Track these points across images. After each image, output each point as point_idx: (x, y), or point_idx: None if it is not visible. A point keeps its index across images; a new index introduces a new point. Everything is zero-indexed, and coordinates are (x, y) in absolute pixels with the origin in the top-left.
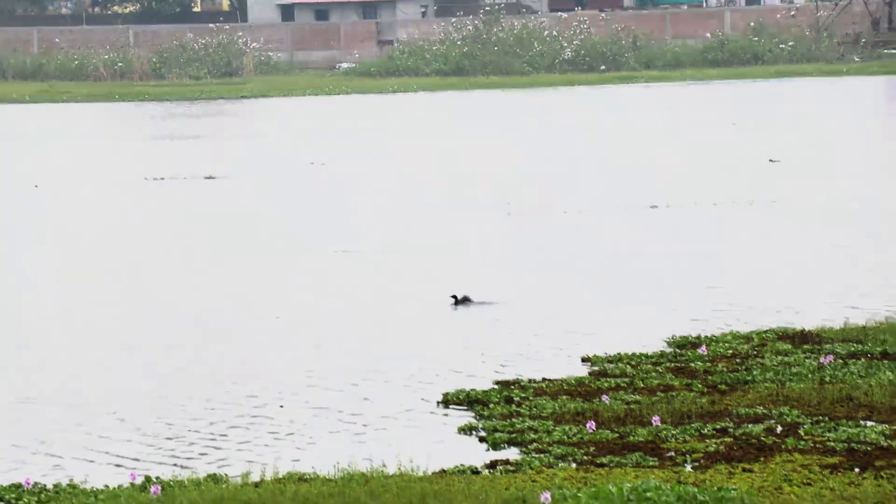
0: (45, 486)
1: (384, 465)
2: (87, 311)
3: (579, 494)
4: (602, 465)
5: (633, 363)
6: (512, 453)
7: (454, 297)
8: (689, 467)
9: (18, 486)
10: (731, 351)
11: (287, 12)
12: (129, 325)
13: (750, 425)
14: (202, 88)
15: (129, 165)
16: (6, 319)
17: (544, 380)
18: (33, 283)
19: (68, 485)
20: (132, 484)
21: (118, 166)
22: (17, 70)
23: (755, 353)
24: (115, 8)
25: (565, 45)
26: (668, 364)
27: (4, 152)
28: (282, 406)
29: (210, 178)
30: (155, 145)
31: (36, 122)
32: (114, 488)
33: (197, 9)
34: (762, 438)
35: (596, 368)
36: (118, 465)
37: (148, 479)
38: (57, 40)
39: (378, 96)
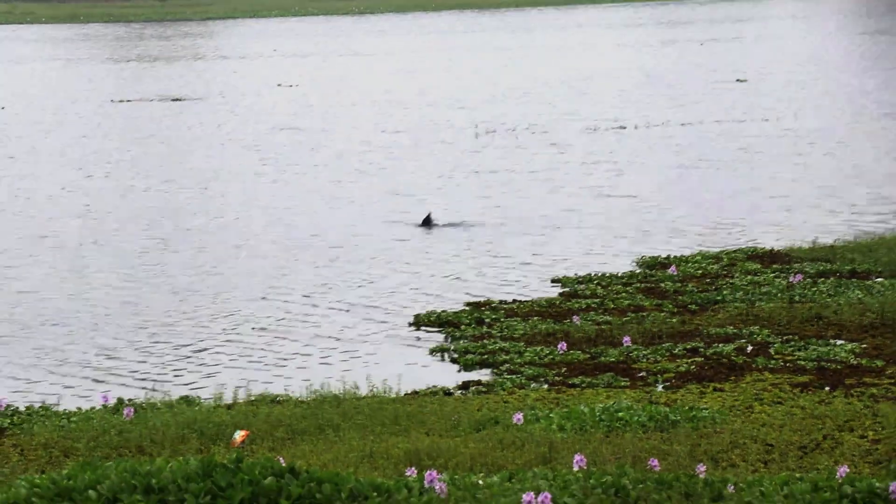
0: (17, 408)
1: (356, 387)
2: (58, 234)
3: (552, 415)
4: (574, 386)
5: (604, 284)
6: (484, 374)
7: (427, 218)
8: (660, 387)
9: None
10: (700, 271)
11: None
12: (103, 246)
13: (720, 345)
14: (167, 10)
15: (95, 87)
16: None
17: (515, 301)
18: (5, 207)
19: (41, 407)
20: (105, 406)
21: (84, 88)
22: None
23: (725, 272)
24: None
25: None
26: (638, 284)
27: None
28: (254, 328)
29: (177, 99)
30: (121, 67)
31: (0, 43)
32: (86, 410)
33: None
34: (733, 358)
35: (566, 289)
36: (92, 387)
37: (121, 401)
38: None
39: (344, 18)
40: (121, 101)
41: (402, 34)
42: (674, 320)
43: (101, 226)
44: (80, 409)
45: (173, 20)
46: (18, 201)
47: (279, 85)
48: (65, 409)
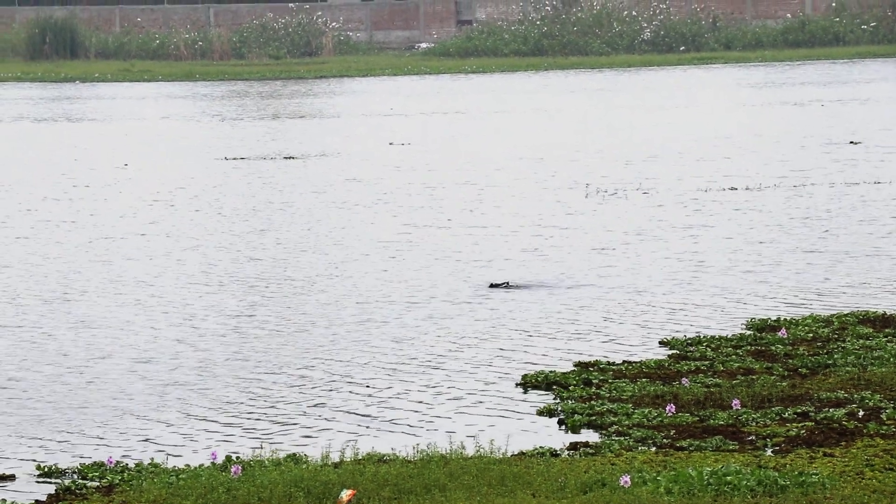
0: (126, 464)
1: (463, 447)
2: (166, 285)
3: (659, 478)
4: (682, 449)
5: (713, 346)
6: (591, 436)
7: (505, 283)
8: (769, 451)
9: (101, 464)
10: (811, 334)
11: None
12: (206, 299)
13: (831, 409)
14: (282, 68)
15: (209, 145)
16: (86, 297)
17: (624, 362)
18: (113, 260)
19: (150, 464)
20: (213, 463)
21: (199, 146)
22: (100, 49)
23: (836, 336)
24: None
25: (644, 25)
26: (748, 347)
27: (92, 131)
28: (367, 386)
29: (290, 157)
30: (235, 125)
31: (118, 101)
32: (195, 468)
33: None
34: (844, 423)
35: (675, 351)
36: (199, 444)
37: (229, 458)
38: (139, 19)
39: (456, 76)
40: (233, 159)
41: (513, 93)
42: (784, 384)
43: (214, 280)
44: (188, 465)
45: (287, 78)
46: (118, 256)
47: (391, 143)
48: (174, 466)
